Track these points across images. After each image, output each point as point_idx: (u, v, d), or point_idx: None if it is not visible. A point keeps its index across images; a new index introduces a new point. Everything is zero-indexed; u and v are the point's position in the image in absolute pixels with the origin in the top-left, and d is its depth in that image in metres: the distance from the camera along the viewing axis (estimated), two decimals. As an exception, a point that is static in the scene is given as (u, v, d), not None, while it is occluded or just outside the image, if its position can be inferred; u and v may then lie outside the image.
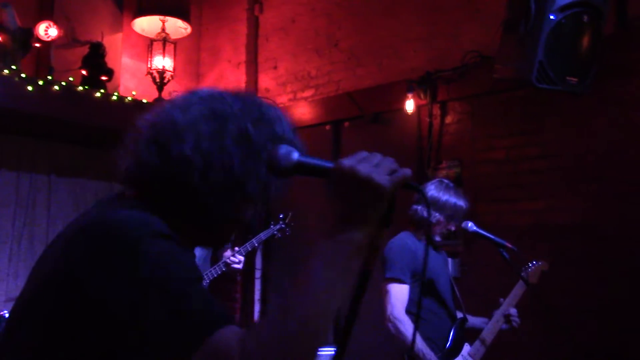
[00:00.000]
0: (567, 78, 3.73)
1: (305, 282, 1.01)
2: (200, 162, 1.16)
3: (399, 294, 2.98)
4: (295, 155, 1.12)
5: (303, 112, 5.95)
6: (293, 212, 4.47)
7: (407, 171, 1.08)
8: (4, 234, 5.54)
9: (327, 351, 4.09)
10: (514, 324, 3.15)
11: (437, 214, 3.08)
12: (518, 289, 3.17)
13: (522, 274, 3.15)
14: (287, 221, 4.54)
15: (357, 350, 4.90)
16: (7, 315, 3.92)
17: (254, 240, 4.36)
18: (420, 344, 2.88)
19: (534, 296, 3.13)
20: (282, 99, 6.23)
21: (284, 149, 1.13)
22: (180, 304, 1.01)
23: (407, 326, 2.90)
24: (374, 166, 1.06)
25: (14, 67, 4.95)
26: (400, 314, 2.93)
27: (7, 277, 5.51)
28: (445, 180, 3.31)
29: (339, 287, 1.02)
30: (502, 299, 3.19)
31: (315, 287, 1.00)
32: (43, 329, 1.11)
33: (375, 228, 1.06)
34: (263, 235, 4.42)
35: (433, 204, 3.07)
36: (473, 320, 3.21)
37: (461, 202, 3.15)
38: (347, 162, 1.07)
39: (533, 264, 3.27)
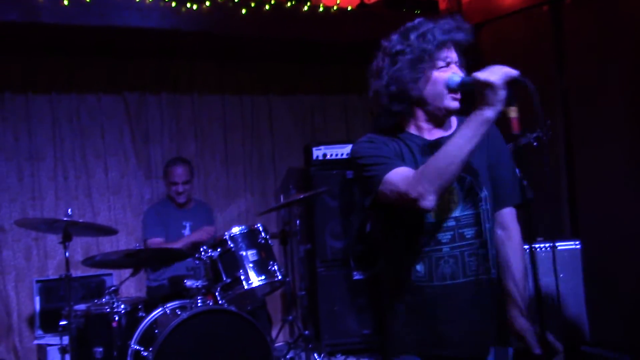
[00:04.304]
0: None
1: (453, 136, 1.92)
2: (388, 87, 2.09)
3: None
4: (457, 79, 2.01)
5: (514, -5, 5.50)
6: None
7: (513, 71, 1.84)
8: (236, 155, 5.93)
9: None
10: None
11: None
12: None
13: None
14: (544, 129, 4.31)
15: None
16: (260, 227, 4.21)
17: None
18: None
19: None
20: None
21: (451, 76, 2.01)
22: (377, 159, 2.03)
23: None
24: (489, 72, 1.86)
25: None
26: None
27: (245, 193, 5.94)
28: None
29: (470, 139, 1.86)
30: None
31: (456, 137, 1.89)
32: None
33: (502, 105, 1.85)
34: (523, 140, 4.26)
35: None
36: None
37: None
38: (476, 73, 1.89)
39: None
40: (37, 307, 4.95)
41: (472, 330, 2.06)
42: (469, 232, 2.06)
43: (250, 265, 4.00)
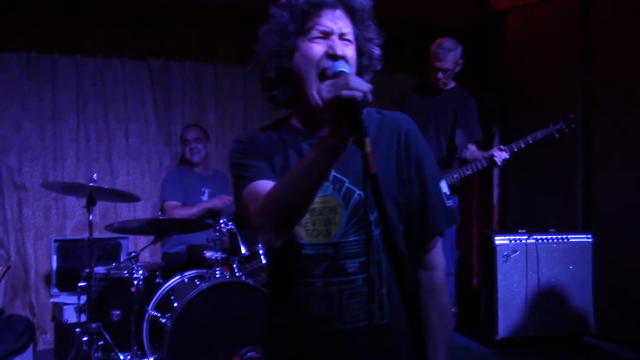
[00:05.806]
0: None
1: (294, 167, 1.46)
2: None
3: None
4: (339, 67, 1.48)
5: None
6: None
7: (358, 89, 1.26)
8: (255, 126, 5.66)
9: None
10: None
11: None
12: None
13: None
14: (567, 122, 4.36)
15: None
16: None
17: (528, 138, 4.25)
18: None
19: None
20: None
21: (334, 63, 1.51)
22: (238, 170, 1.58)
23: None
24: (332, 82, 1.32)
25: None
26: None
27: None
28: None
29: (308, 170, 1.36)
30: None
31: (297, 164, 1.44)
32: None
33: (345, 132, 1.28)
34: (540, 134, 4.28)
35: None
36: None
37: None
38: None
39: None
40: (54, 265, 5.04)
41: None
42: (350, 265, 1.54)
43: (269, 240, 4.06)
